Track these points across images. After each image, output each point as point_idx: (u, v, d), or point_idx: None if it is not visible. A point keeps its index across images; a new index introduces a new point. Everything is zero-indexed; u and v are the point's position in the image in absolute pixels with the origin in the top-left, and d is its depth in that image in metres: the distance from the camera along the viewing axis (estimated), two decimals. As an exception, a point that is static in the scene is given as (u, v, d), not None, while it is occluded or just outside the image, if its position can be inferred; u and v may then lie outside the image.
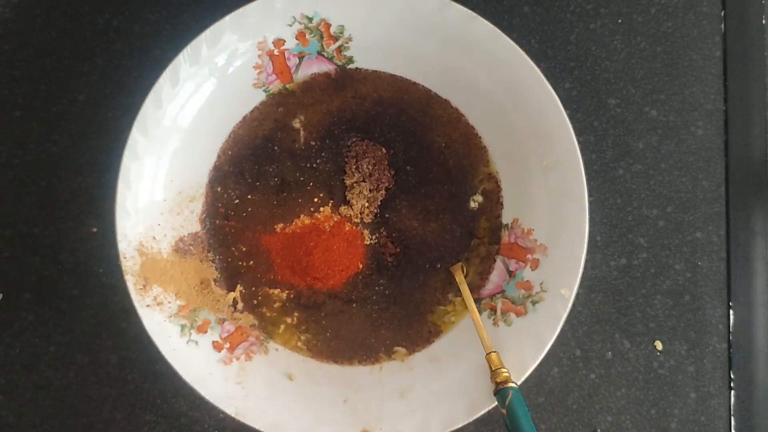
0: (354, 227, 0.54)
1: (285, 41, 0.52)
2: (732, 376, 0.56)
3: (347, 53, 0.54)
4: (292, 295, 0.54)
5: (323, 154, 0.55)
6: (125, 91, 0.56)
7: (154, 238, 0.51)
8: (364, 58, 0.54)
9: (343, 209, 0.54)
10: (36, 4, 0.56)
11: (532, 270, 0.52)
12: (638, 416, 0.55)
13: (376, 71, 0.55)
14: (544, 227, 0.52)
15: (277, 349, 0.54)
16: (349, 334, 0.54)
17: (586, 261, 0.50)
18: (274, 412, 0.50)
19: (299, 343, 0.54)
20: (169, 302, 0.51)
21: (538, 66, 0.50)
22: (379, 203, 0.54)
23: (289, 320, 0.54)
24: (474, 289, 0.54)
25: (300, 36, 0.52)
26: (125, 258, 0.49)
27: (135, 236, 0.50)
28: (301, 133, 0.55)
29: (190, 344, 0.51)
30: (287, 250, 0.54)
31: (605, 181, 0.57)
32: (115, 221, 0.49)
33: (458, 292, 0.54)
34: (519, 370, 0.49)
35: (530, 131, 0.52)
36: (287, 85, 0.54)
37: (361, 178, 0.54)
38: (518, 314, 0.52)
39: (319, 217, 0.54)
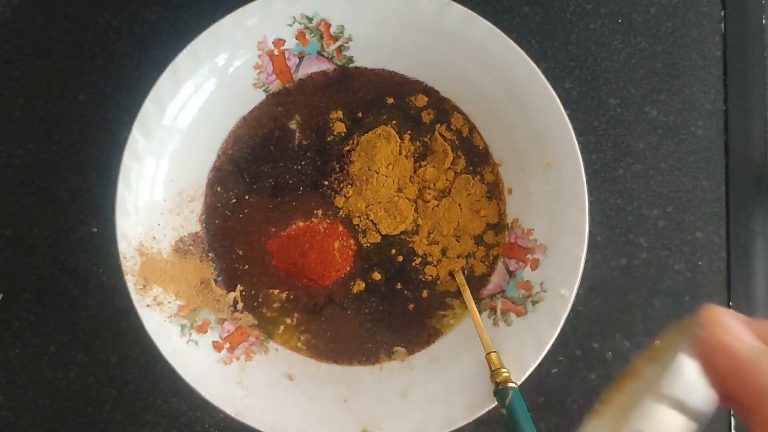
0: (348, 229, 0.54)
1: (285, 41, 0.52)
2: (732, 376, 0.56)
3: (347, 53, 0.54)
4: (291, 296, 0.54)
5: (319, 155, 0.55)
6: (125, 91, 0.56)
7: (154, 238, 0.51)
8: (364, 58, 0.54)
9: (341, 212, 0.54)
10: (36, 4, 0.56)
11: (532, 270, 0.52)
12: (638, 416, 0.55)
13: (376, 71, 0.55)
14: (544, 227, 0.52)
15: (277, 349, 0.54)
16: (347, 338, 0.54)
17: (586, 261, 0.50)
18: (274, 412, 0.50)
19: (299, 344, 0.54)
20: (169, 302, 0.51)
21: (538, 66, 0.50)
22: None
23: (288, 321, 0.54)
24: (474, 289, 0.54)
25: (300, 36, 0.52)
26: (125, 258, 0.49)
27: (135, 236, 0.50)
28: (297, 134, 0.55)
29: (190, 344, 0.51)
30: (282, 252, 0.54)
31: (605, 181, 0.57)
32: (115, 221, 0.49)
33: (457, 296, 0.54)
34: (519, 370, 0.49)
35: (530, 131, 0.52)
36: (287, 85, 0.54)
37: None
38: (518, 314, 0.52)
39: (313, 219, 0.54)
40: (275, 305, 0.54)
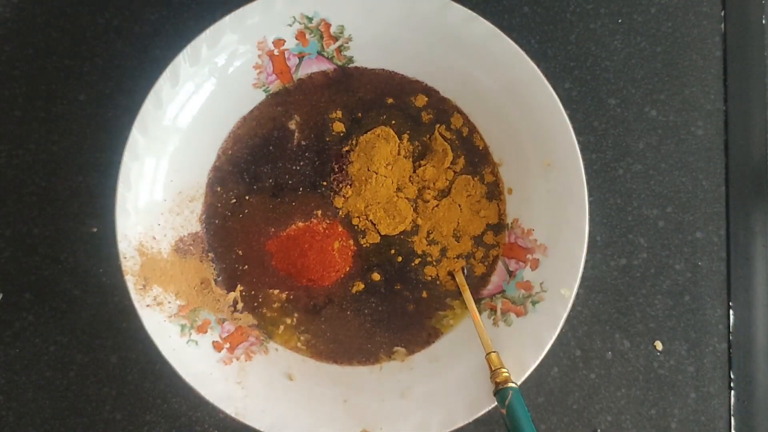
0: (347, 230, 0.54)
1: (285, 41, 0.52)
2: (732, 376, 0.56)
3: (347, 53, 0.54)
4: (291, 296, 0.54)
5: (318, 155, 0.55)
6: (125, 91, 0.56)
7: (154, 238, 0.51)
8: (364, 58, 0.54)
9: (341, 212, 0.54)
10: (36, 4, 0.56)
11: (532, 270, 0.52)
12: (638, 416, 0.55)
13: (376, 71, 0.55)
14: (544, 227, 0.52)
15: (277, 349, 0.54)
16: (347, 338, 0.54)
17: (586, 261, 0.50)
18: (274, 412, 0.50)
19: (299, 344, 0.54)
20: (169, 302, 0.51)
21: (538, 66, 0.50)
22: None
23: (288, 321, 0.54)
24: (474, 289, 0.54)
25: (300, 36, 0.52)
26: (125, 258, 0.49)
27: (135, 236, 0.50)
28: (296, 134, 0.55)
29: (190, 344, 0.51)
30: (282, 252, 0.54)
31: (605, 181, 0.57)
32: (115, 221, 0.49)
33: (457, 296, 0.54)
34: (519, 370, 0.49)
35: (530, 131, 0.52)
36: (287, 85, 0.54)
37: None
38: (518, 314, 0.52)
39: (313, 219, 0.54)
40: (275, 305, 0.54)
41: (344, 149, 0.54)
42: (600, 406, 0.56)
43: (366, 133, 0.54)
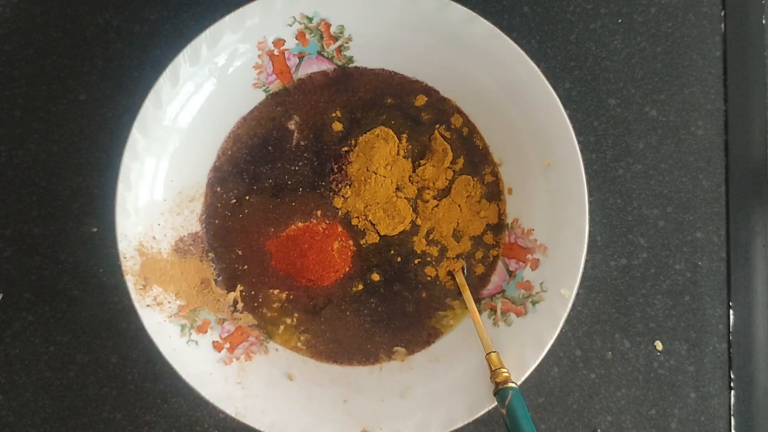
0: (347, 230, 0.54)
1: (285, 41, 0.52)
2: (732, 376, 0.56)
3: (347, 53, 0.54)
4: (291, 296, 0.54)
5: (317, 155, 0.55)
6: (125, 91, 0.56)
7: (154, 238, 0.51)
8: (364, 58, 0.54)
9: (340, 212, 0.54)
10: (36, 4, 0.56)
11: (532, 270, 0.52)
12: (638, 416, 0.55)
13: (376, 71, 0.55)
14: (544, 227, 0.52)
15: (277, 349, 0.54)
16: (347, 338, 0.54)
17: (586, 261, 0.50)
18: (274, 412, 0.50)
19: (299, 344, 0.54)
20: (169, 302, 0.51)
21: (538, 66, 0.50)
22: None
23: (288, 321, 0.54)
24: (474, 289, 0.54)
25: (300, 36, 0.52)
26: (125, 258, 0.49)
27: (135, 236, 0.50)
28: (295, 134, 0.55)
29: (190, 344, 0.51)
30: (282, 252, 0.54)
31: (605, 181, 0.57)
32: (115, 221, 0.49)
33: (457, 296, 0.54)
34: (519, 370, 0.49)
35: (530, 131, 0.52)
36: (287, 85, 0.54)
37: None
38: (518, 314, 0.52)
39: (312, 219, 0.54)
40: (275, 305, 0.54)
41: (343, 149, 0.54)
42: (600, 406, 0.56)
43: (365, 133, 0.54)
